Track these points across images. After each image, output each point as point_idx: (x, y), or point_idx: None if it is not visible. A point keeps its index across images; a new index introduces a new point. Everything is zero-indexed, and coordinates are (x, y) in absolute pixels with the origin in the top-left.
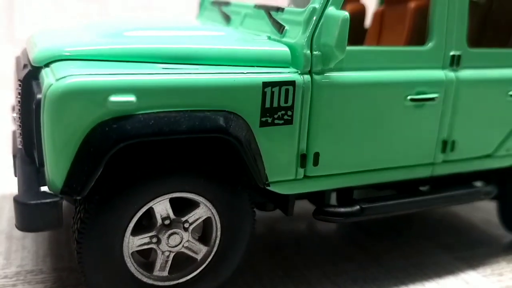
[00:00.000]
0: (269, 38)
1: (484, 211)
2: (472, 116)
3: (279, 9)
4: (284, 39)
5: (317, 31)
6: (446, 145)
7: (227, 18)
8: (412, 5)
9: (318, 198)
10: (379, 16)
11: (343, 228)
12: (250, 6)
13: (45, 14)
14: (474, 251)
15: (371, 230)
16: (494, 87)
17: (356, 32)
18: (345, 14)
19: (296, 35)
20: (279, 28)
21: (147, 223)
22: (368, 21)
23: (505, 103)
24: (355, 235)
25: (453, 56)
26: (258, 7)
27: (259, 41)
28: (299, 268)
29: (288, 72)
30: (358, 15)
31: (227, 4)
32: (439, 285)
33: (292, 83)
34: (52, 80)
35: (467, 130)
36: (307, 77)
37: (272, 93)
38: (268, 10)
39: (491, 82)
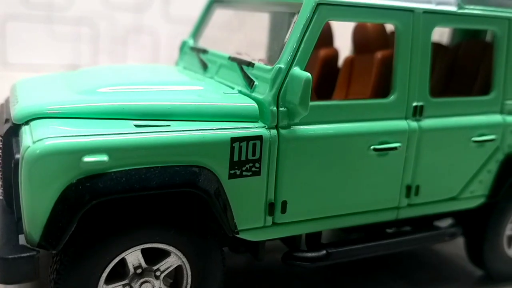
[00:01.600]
0: (240, 92)
1: (457, 246)
2: (436, 162)
3: (250, 64)
4: (254, 94)
5: (282, 89)
6: (410, 190)
7: (204, 66)
8: (378, 55)
9: (290, 240)
10: (349, 63)
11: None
12: (225, 57)
13: (36, 38)
14: (445, 286)
15: (345, 269)
16: (457, 134)
17: (329, 74)
18: (308, 75)
19: (264, 91)
20: (250, 82)
21: (121, 271)
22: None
23: (468, 149)
24: (329, 274)
25: (416, 106)
26: (232, 59)
27: (230, 96)
28: None
29: (256, 127)
30: (331, 59)
31: (205, 52)
32: None
33: (259, 137)
34: (30, 142)
35: (430, 175)
36: (273, 131)
37: (240, 147)
38: (241, 64)
39: (454, 129)
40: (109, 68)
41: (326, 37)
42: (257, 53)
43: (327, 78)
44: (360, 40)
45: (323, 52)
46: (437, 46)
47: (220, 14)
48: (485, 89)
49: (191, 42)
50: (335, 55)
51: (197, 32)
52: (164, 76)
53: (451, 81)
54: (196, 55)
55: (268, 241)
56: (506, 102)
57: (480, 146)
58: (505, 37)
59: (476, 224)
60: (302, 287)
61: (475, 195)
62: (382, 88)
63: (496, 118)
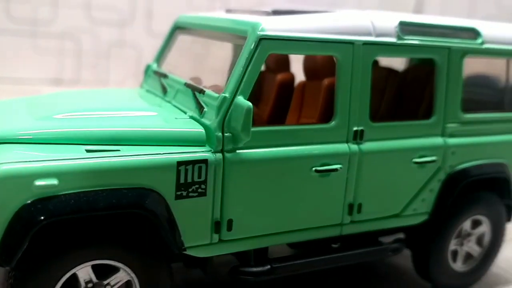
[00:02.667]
0: (191, 117)
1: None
2: (377, 182)
3: (201, 91)
4: (203, 120)
5: (227, 116)
6: (353, 208)
7: (164, 90)
8: (325, 82)
9: (241, 254)
10: (301, 88)
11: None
12: (181, 83)
13: (21, 52)
14: None
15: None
16: (397, 156)
17: (285, 97)
18: (249, 104)
19: (212, 118)
20: (200, 108)
21: (74, 285)
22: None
23: (409, 169)
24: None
25: (356, 131)
26: (187, 85)
27: (180, 121)
28: None
29: (202, 151)
30: (287, 83)
31: (165, 76)
32: None
33: (204, 161)
34: None
35: (372, 194)
36: (219, 155)
37: (186, 170)
38: (194, 90)
39: (394, 151)
40: (69, 94)
41: (283, 63)
42: (217, 80)
43: (284, 101)
44: (310, 68)
45: (280, 77)
46: (388, 71)
47: (185, 41)
48: (430, 113)
49: (154, 66)
50: (291, 79)
51: (160, 56)
52: (120, 102)
53: (400, 105)
54: (158, 79)
55: (224, 255)
56: (447, 125)
57: (421, 167)
58: (445, 64)
59: (421, 240)
60: None
61: (418, 213)
62: (328, 113)
63: (437, 140)
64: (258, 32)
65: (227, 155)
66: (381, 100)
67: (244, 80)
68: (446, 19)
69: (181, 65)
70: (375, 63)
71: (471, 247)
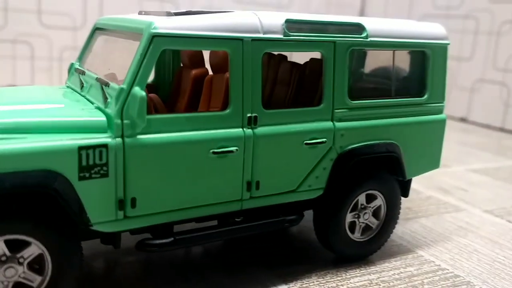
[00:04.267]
0: (97, 107)
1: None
2: (273, 162)
3: (107, 84)
4: (106, 109)
5: (125, 105)
6: (251, 185)
7: (81, 85)
8: (226, 75)
9: (152, 229)
10: (209, 81)
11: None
12: (94, 78)
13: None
14: (294, 268)
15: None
16: (290, 139)
17: (199, 90)
18: (143, 94)
19: (113, 107)
20: (105, 100)
21: None
22: None
23: (302, 150)
24: (200, 266)
25: (250, 117)
26: (97, 79)
27: (85, 111)
28: None
29: (102, 137)
30: (201, 77)
31: (83, 73)
32: None
33: (105, 145)
34: None
35: (269, 173)
36: (119, 140)
37: (88, 154)
38: (101, 84)
39: (286, 135)
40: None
41: (198, 60)
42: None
43: (198, 93)
44: (213, 62)
45: (194, 72)
46: (292, 64)
47: (102, 40)
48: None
49: (77, 65)
50: (204, 74)
51: (82, 55)
52: (34, 97)
53: (300, 93)
54: (78, 75)
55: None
56: (336, 111)
57: (313, 147)
58: (331, 57)
59: (319, 213)
60: (170, 274)
61: (312, 188)
62: (227, 101)
63: (327, 124)
64: (151, 30)
65: (127, 140)
66: (288, 89)
67: (139, 73)
68: (334, 16)
69: (98, 63)
70: (283, 58)
71: (368, 219)
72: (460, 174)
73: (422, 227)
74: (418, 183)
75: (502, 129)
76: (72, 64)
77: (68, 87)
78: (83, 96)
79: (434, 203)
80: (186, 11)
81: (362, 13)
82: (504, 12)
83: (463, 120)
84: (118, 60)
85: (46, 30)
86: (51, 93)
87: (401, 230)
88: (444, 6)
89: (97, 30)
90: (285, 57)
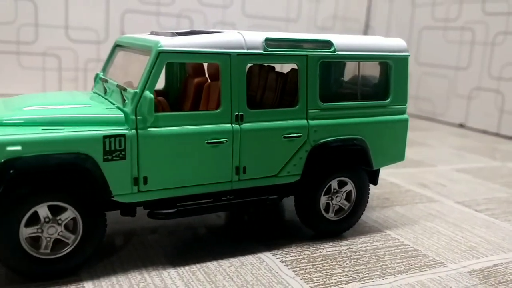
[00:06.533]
0: (117, 107)
1: None
2: (257, 151)
3: (125, 89)
4: (124, 108)
5: (139, 105)
6: (239, 170)
7: (105, 91)
8: (219, 82)
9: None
10: (207, 87)
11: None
12: (114, 85)
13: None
14: (279, 241)
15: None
16: (270, 133)
17: (200, 95)
18: (151, 96)
19: (129, 106)
20: (123, 101)
21: (36, 220)
22: None
23: (282, 142)
24: (204, 237)
25: (237, 115)
26: (117, 86)
27: (109, 110)
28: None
29: (121, 129)
30: (201, 84)
31: (106, 81)
32: (240, 261)
33: (123, 135)
34: None
35: (254, 160)
36: (134, 131)
37: (110, 142)
38: (120, 89)
39: (267, 129)
40: (35, 95)
41: (200, 70)
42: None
43: (199, 97)
44: (210, 72)
45: (196, 80)
46: (278, 73)
47: (122, 55)
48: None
49: (101, 74)
50: (205, 81)
51: (106, 67)
52: (70, 99)
53: (283, 97)
54: (102, 83)
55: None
56: (309, 111)
57: (290, 141)
58: (304, 68)
59: (298, 196)
60: (172, 241)
61: (291, 174)
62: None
63: (302, 122)
64: (158, 48)
65: (140, 131)
66: (274, 94)
67: (149, 80)
68: (307, 34)
69: (118, 73)
70: (271, 69)
71: (341, 201)
72: (443, 172)
73: (394, 213)
74: (400, 179)
75: (497, 134)
76: (97, 74)
77: (94, 92)
78: (106, 99)
79: (411, 195)
80: (190, 31)
81: (367, 26)
82: (498, 24)
83: (461, 126)
84: (134, 71)
85: (72, 44)
86: (81, 96)
87: (376, 215)
88: (443, 18)
89: (117, 46)
90: (273, 67)
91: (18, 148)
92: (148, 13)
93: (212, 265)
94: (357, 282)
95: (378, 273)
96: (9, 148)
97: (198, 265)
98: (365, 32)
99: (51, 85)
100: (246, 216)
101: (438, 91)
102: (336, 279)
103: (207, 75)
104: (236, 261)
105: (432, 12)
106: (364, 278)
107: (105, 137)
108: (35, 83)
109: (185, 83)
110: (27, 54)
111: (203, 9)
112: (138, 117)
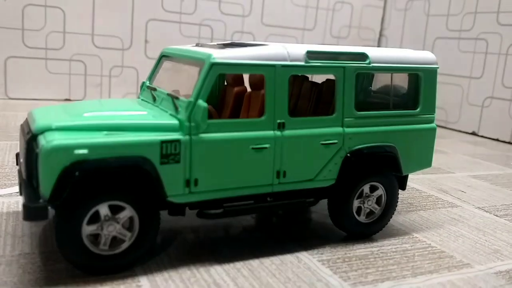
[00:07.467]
0: (170, 114)
1: None
2: (296, 157)
3: (177, 98)
4: (178, 116)
5: (192, 113)
6: (279, 174)
7: (154, 99)
8: (262, 92)
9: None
10: (248, 96)
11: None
12: (165, 93)
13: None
14: (313, 241)
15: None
16: (309, 139)
17: (240, 103)
18: (205, 105)
19: (183, 114)
20: (176, 109)
21: (97, 218)
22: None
23: (318, 149)
24: (238, 233)
25: (279, 123)
26: (168, 94)
27: (164, 116)
28: (196, 258)
29: (177, 135)
30: (241, 93)
31: (155, 89)
32: (279, 259)
33: (178, 141)
34: (44, 142)
35: (293, 165)
36: (187, 137)
37: (167, 146)
38: (172, 98)
39: (306, 136)
40: (92, 101)
41: (239, 80)
42: (188, 91)
43: (239, 106)
44: (252, 82)
45: (235, 89)
46: (312, 83)
47: (168, 65)
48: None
49: (147, 83)
50: (244, 91)
51: (151, 76)
52: (124, 106)
53: (318, 106)
54: (149, 91)
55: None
56: (345, 120)
57: (327, 147)
58: (342, 78)
59: (333, 199)
60: (217, 241)
61: (326, 179)
62: (262, 111)
63: (338, 129)
64: (211, 60)
65: (193, 137)
66: (308, 103)
67: (202, 90)
68: (345, 47)
69: (165, 82)
70: (306, 78)
71: (372, 205)
72: (462, 179)
73: (419, 217)
74: (421, 185)
75: (510, 143)
76: (143, 83)
77: (142, 100)
78: (157, 106)
79: (433, 200)
80: (231, 42)
81: (381, 35)
82: None
83: (474, 134)
84: (181, 80)
85: (98, 50)
86: (134, 104)
87: (402, 219)
88: (457, 29)
89: (163, 57)
90: (307, 77)
91: (85, 151)
92: (171, 21)
93: (254, 263)
94: (391, 280)
95: (410, 272)
96: (76, 152)
97: (241, 263)
98: (379, 42)
99: (76, 90)
100: (275, 218)
101: (452, 99)
102: (371, 277)
103: (246, 85)
104: (276, 260)
105: (447, 22)
106: (398, 277)
107: (162, 142)
108: (61, 87)
109: (224, 91)
110: (55, 59)
111: (223, 18)
112: (192, 124)
